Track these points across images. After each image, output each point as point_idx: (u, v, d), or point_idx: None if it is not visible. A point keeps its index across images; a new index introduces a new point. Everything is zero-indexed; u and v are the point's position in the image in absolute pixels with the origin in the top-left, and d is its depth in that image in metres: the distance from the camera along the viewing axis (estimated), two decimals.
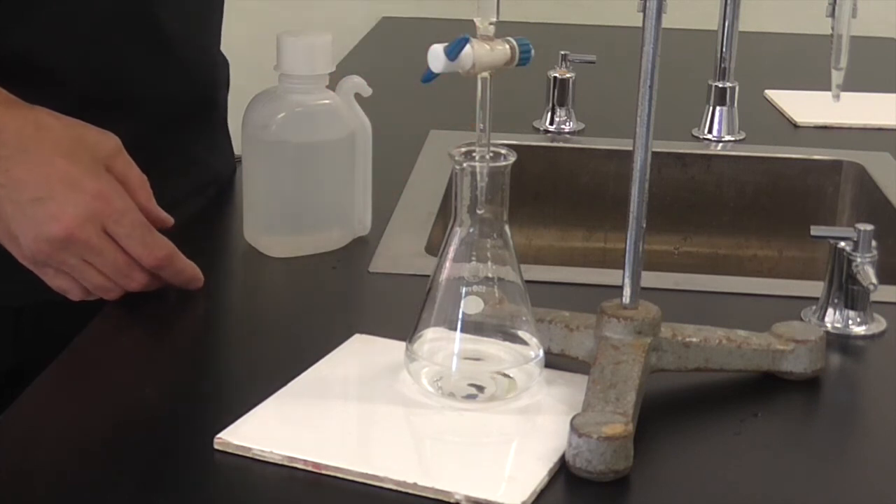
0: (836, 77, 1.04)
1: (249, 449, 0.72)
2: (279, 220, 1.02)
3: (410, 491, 0.69)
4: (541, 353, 0.80)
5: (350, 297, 0.98)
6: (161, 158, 1.02)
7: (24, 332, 1.01)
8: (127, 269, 0.89)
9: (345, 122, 1.01)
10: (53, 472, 0.71)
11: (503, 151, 0.77)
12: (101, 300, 0.92)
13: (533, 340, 0.79)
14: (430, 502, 0.68)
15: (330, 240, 1.03)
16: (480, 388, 0.78)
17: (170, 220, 0.95)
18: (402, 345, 0.80)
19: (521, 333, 0.79)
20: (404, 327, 0.80)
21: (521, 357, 0.79)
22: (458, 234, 0.79)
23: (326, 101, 1.00)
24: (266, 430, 0.74)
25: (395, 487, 0.69)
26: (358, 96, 1.02)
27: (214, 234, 1.10)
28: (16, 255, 0.89)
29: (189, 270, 0.93)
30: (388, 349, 0.84)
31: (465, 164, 0.77)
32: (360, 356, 0.85)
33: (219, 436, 0.73)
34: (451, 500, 0.68)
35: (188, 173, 1.11)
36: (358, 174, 1.04)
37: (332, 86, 1.01)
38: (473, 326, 0.78)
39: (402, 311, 0.84)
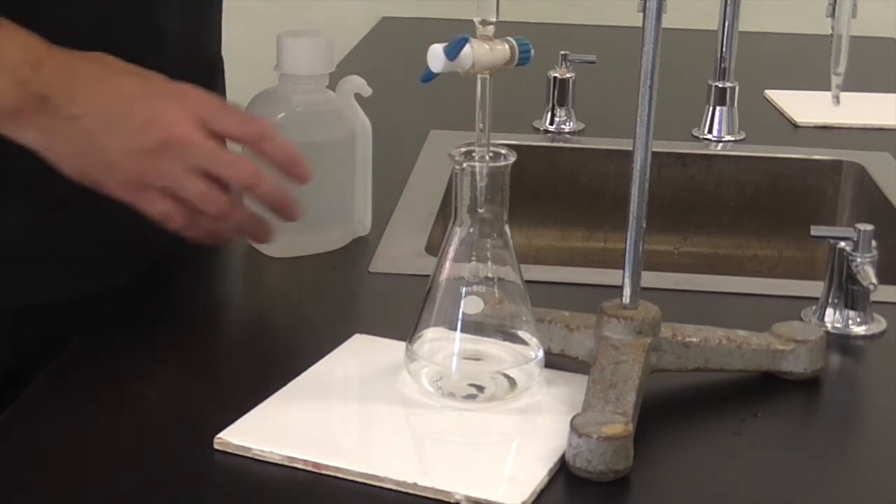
0: (836, 80, 1.04)
1: (249, 449, 0.72)
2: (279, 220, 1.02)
3: (410, 491, 0.69)
4: (541, 353, 0.80)
5: (350, 297, 0.98)
6: None
7: (25, 332, 1.00)
8: (229, 156, 0.87)
9: (345, 123, 1.01)
10: (53, 472, 0.71)
11: (503, 151, 0.77)
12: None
13: (533, 340, 0.79)
14: (430, 502, 0.68)
15: (330, 240, 1.03)
16: (480, 388, 0.78)
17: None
18: (402, 345, 0.80)
19: (521, 333, 0.79)
20: (404, 327, 0.80)
21: (521, 357, 0.79)
22: (458, 234, 0.79)
23: (326, 102, 1.00)
24: (266, 430, 0.74)
25: (395, 487, 0.69)
26: (358, 96, 1.02)
27: None
28: (113, 188, 0.86)
29: (292, 149, 0.89)
30: (388, 349, 0.84)
31: (465, 164, 0.77)
32: (360, 356, 0.85)
33: (219, 436, 0.73)
34: (451, 500, 0.68)
35: None
36: (358, 174, 1.03)
37: (333, 86, 1.01)
38: (473, 326, 0.78)
39: (402, 311, 0.84)
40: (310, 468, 0.71)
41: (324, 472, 0.71)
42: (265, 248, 1.02)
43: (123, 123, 0.84)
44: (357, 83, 1.02)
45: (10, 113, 0.84)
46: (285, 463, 0.72)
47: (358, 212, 1.05)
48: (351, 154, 1.02)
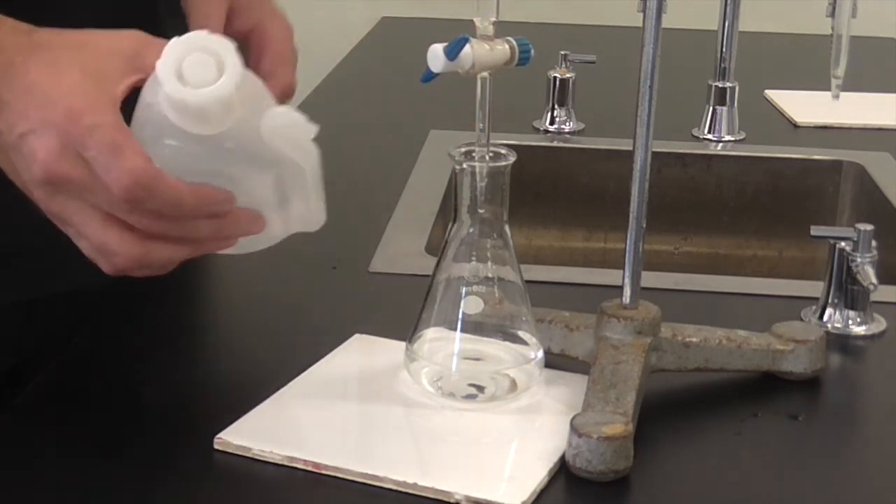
0: (836, 81, 1.04)
1: (249, 449, 0.72)
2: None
3: (410, 491, 0.69)
4: (541, 353, 0.80)
5: (350, 297, 0.98)
6: None
7: (29, 328, 1.00)
8: (118, 205, 0.70)
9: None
10: (53, 472, 0.71)
11: (503, 151, 0.77)
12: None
13: (533, 340, 0.79)
14: (431, 502, 0.68)
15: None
16: (480, 388, 0.78)
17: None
18: (402, 345, 0.80)
19: (521, 333, 0.79)
20: (404, 327, 0.80)
21: (521, 357, 0.79)
22: (458, 234, 0.79)
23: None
24: (266, 430, 0.74)
25: (395, 487, 0.69)
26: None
27: None
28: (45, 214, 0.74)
29: (186, 193, 0.71)
30: (388, 349, 0.84)
31: (465, 164, 0.77)
32: (360, 356, 0.85)
33: (219, 436, 0.73)
34: (451, 500, 0.68)
35: None
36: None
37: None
38: (473, 326, 0.78)
39: (402, 311, 0.84)
40: (310, 468, 0.71)
41: (324, 472, 0.71)
42: None
43: (20, 148, 0.71)
44: (287, 120, 0.75)
45: None
46: (285, 463, 0.72)
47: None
48: (267, 168, 0.78)
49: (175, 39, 0.72)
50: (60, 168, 0.70)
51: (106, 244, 0.72)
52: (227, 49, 0.72)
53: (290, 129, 0.75)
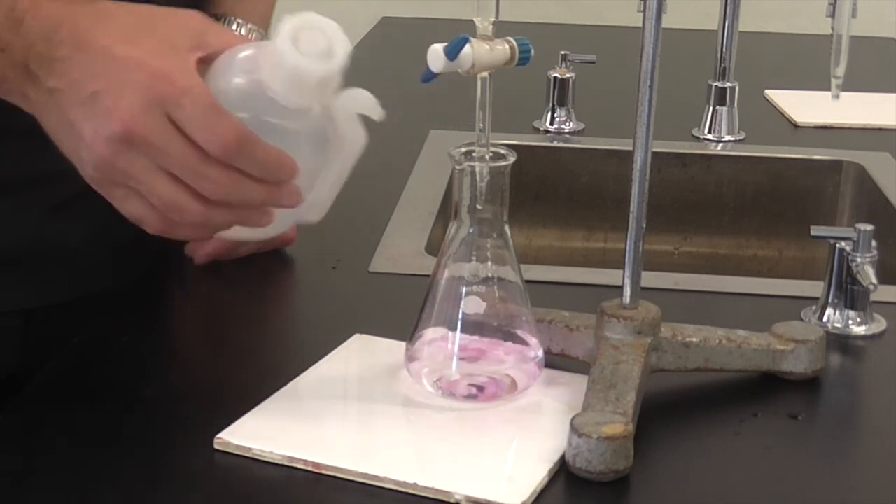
0: (836, 82, 1.04)
1: (249, 449, 0.72)
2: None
3: (410, 491, 0.69)
4: (541, 353, 0.80)
5: (350, 297, 0.98)
6: None
7: (32, 334, 1.00)
8: (198, 164, 0.73)
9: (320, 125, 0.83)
10: (53, 472, 0.71)
11: (503, 151, 0.77)
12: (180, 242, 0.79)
13: (533, 340, 0.79)
14: (430, 502, 0.68)
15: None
16: (480, 388, 0.78)
17: None
18: (402, 345, 0.80)
19: (521, 333, 0.79)
20: (404, 327, 0.80)
21: (521, 357, 0.79)
22: (458, 234, 0.79)
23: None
24: (266, 430, 0.74)
25: (394, 487, 0.69)
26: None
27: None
28: (86, 177, 0.76)
29: (273, 157, 0.75)
30: (388, 349, 0.84)
31: (465, 164, 0.77)
32: (360, 356, 0.85)
33: (219, 436, 0.73)
34: (451, 500, 0.68)
35: None
36: (326, 179, 0.85)
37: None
38: (473, 326, 0.78)
39: (402, 311, 0.84)
40: (310, 468, 0.71)
41: (324, 472, 0.71)
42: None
43: (92, 105, 0.73)
44: (363, 101, 0.82)
45: None
46: (285, 463, 0.72)
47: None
48: (320, 158, 0.85)
49: (290, 16, 0.76)
50: (142, 125, 0.72)
51: (177, 201, 0.74)
52: (335, 29, 0.77)
53: (363, 111, 0.81)
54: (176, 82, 0.73)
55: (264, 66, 0.76)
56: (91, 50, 0.74)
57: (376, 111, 0.82)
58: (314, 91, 0.76)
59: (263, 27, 1.01)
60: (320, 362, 0.83)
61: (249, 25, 1.00)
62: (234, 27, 0.99)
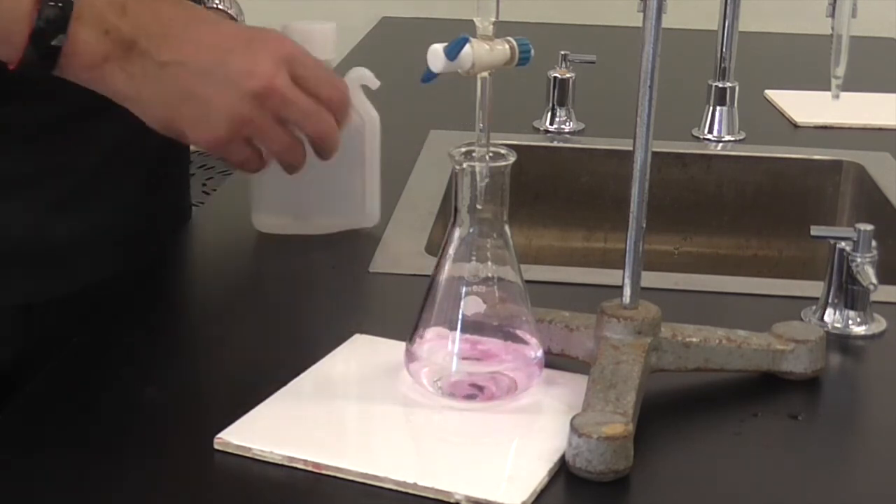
0: (836, 82, 1.04)
1: (249, 449, 0.72)
2: (284, 203, 1.03)
3: (410, 491, 0.69)
4: (541, 353, 0.79)
5: (350, 297, 0.98)
6: (153, 163, 1.02)
7: (32, 330, 1.00)
8: (317, 114, 0.89)
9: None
10: (53, 473, 0.71)
11: (503, 151, 0.77)
12: None
13: (533, 340, 0.79)
14: (431, 502, 0.68)
15: (333, 225, 1.04)
16: (480, 388, 0.78)
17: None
18: (402, 345, 0.80)
19: (521, 333, 0.79)
20: (404, 327, 0.80)
21: (521, 357, 0.79)
22: (458, 234, 0.78)
23: None
24: (266, 430, 0.74)
25: (395, 487, 0.69)
26: (364, 89, 1.02)
27: (212, 234, 1.10)
28: (200, 137, 0.87)
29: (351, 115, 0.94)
30: (388, 349, 0.84)
31: (465, 164, 0.77)
32: (360, 356, 0.85)
33: (219, 436, 0.73)
34: (451, 500, 0.68)
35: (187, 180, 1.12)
36: (365, 164, 1.04)
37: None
38: (473, 326, 0.78)
39: (402, 311, 0.84)
40: (310, 468, 0.71)
41: (324, 472, 0.71)
42: (269, 229, 1.02)
43: (220, 71, 0.84)
44: (364, 75, 1.02)
45: (97, 62, 0.82)
46: (285, 463, 0.72)
47: (366, 202, 1.05)
48: (355, 143, 1.02)
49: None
50: (279, 81, 0.85)
51: (292, 143, 0.89)
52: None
53: (363, 81, 1.01)
54: (292, 45, 0.87)
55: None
56: (201, 27, 0.85)
57: (374, 82, 1.01)
58: None
59: None
60: (320, 362, 0.83)
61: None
62: (216, 2, 1.06)
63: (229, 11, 1.06)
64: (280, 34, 0.88)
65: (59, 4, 0.80)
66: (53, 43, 0.80)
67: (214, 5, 1.05)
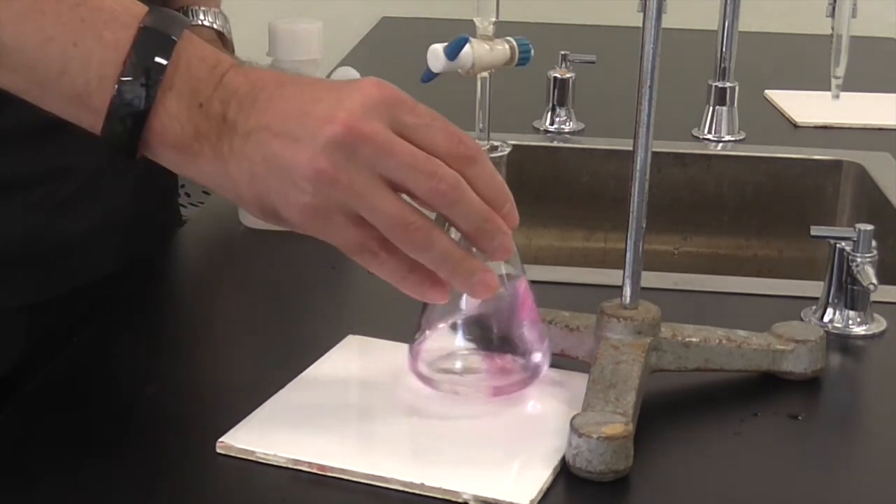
0: (836, 82, 1.05)
1: (252, 452, 0.72)
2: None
3: (417, 491, 0.69)
4: (545, 347, 0.79)
5: (349, 297, 0.98)
6: (152, 162, 1.02)
7: (34, 331, 1.00)
8: (427, 162, 0.67)
9: None
10: (53, 474, 0.71)
11: (497, 143, 0.77)
12: None
13: (536, 337, 0.79)
14: (438, 502, 0.68)
15: None
16: (481, 388, 0.78)
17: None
18: (401, 345, 0.80)
19: (524, 330, 0.79)
20: (404, 327, 0.80)
21: (525, 353, 0.79)
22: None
23: None
24: (269, 433, 0.74)
25: (401, 488, 0.69)
26: None
27: (212, 234, 1.10)
28: (292, 212, 0.69)
29: (497, 177, 0.70)
30: (388, 349, 0.84)
31: None
32: (360, 357, 0.85)
33: (221, 439, 0.73)
34: (459, 500, 0.68)
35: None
36: None
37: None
38: (474, 326, 0.78)
39: (401, 312, 0.84)
40: (315, 470, 0.71)
41: (329, 473, 0.71)
42: (256, 224, 1.02)
43: (302, 125, 0.67)
44: (350, 74, 1.03)
45: (187, 142, 0.69)
46: (290, 466, 0.71)
47: None
48: None
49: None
50: (366, 124, 0.66)
51: (404, 215, 0.67)
52: None
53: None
54: (398, 93, 0.69)
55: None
56: (291, 88, 0.69)
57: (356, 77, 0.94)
58: None
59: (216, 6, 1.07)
60: (320, 362, 0.83)
61: (213, 11, 1.06)
62: (201, 17, 1.04)
63: (214, 26, 1.05)
64: (378, 80, 0.69)
65: (147, 65, 0.68)
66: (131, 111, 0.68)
67: (199, 21, 1.04)
